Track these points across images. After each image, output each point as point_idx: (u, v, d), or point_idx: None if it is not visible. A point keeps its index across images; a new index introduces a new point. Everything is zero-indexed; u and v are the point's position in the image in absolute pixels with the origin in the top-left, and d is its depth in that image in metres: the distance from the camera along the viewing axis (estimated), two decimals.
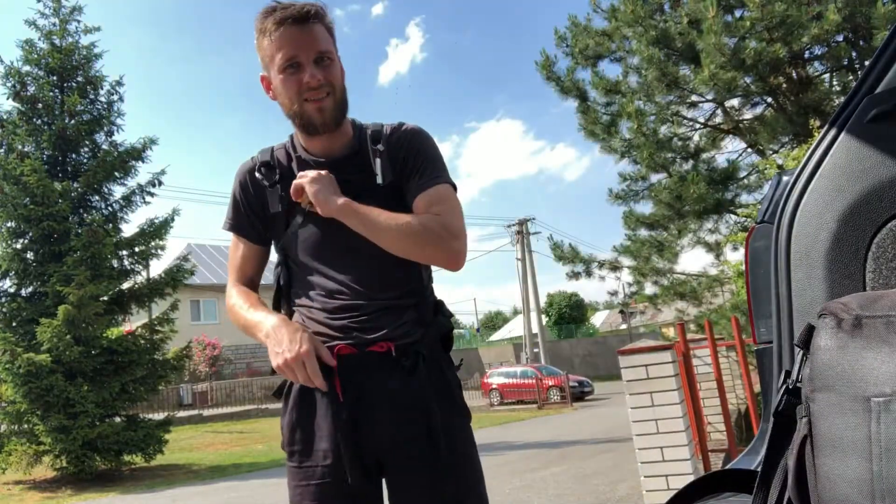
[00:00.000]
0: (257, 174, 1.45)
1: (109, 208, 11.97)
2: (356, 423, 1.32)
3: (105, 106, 12.10)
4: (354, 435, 1.32)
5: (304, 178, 1.35)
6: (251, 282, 1.52)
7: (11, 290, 11.14)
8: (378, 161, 1.39)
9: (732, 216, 10.42)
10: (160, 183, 12.26)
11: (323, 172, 1.36)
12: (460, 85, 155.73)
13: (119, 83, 12.11)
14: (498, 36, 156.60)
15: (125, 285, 11.89)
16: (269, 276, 1.47)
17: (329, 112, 1.35)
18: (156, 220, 11.94)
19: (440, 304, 1.47)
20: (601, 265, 11.96)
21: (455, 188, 1.43)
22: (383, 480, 1.39)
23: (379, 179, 1.38)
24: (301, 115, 1.36)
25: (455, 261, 1.35)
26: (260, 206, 1.46)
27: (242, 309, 1.42)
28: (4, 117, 11.21)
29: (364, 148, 1.42)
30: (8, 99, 11.23)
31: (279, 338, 1.28)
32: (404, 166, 1.41)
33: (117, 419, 11.00)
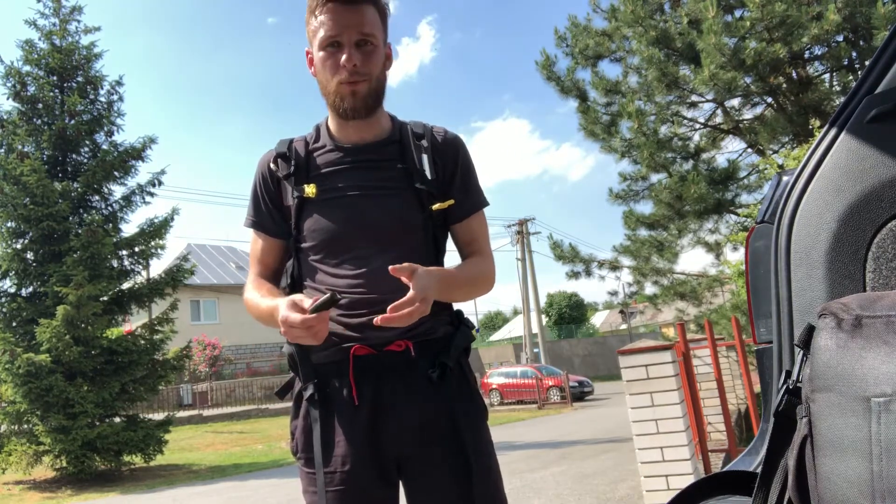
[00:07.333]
0: (272, 165, 1.43)
1: (109, 208, 11.95)
2: (375, 428, 1.29)
3: (105, 106, 12.08)
4: (373, 439, 1.28)
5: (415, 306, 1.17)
6: (273, 273, 1.48)
7: (11, 290, 11.13)
8: (424, 157, 1.38)
9: (732, 216, 10.44)
10: (160, 183, 12.25)
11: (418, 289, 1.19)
12: (467, 84, 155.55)
13: (119, 83, 12.11)
14: (506, 35, 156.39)
15: (125, 285, 11.88)
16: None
17: (361, 97, 1.33)
18: (155, 220, 11.93)
19: (461, 312, 1.45)
20: (601, 265, 11.98)
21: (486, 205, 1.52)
22: (400, 483, 1.36)
23: (428, 175, 1.37)
24: (334, 96, 1.34)
25: (490, 289, 1.49)
26: (278, 198, 1.44)
27: (255, 300, 1.39)
28: (4, 117, 11.19)
29: (405, 141, 1.41)
30: (8, 99, 11.25)
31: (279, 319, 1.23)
32: (450, 176, 1.42)
33: (117, 419, 10.99)
